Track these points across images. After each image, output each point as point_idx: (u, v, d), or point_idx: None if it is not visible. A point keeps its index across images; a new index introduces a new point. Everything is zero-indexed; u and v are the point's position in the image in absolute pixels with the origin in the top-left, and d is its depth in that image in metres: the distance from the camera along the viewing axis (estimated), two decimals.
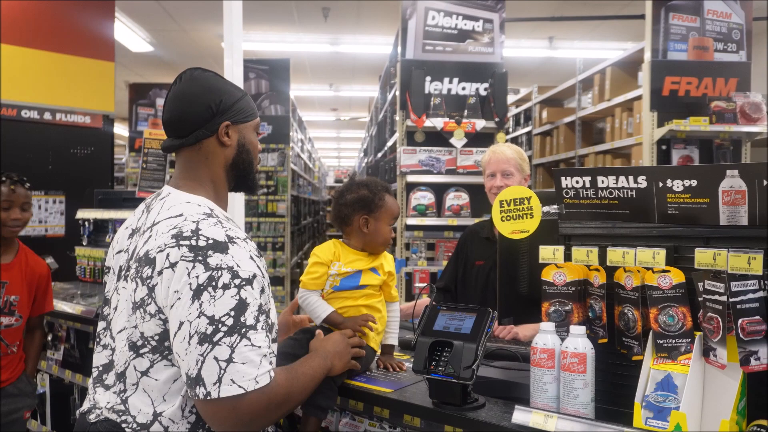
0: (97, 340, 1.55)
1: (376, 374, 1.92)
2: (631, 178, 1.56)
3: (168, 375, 1.38)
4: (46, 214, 4.83)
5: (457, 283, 2.63)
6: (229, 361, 1.28)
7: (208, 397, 1.27)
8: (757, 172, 1.37)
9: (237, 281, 1.33)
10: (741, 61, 4.84)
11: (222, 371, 1.27)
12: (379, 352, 2.01)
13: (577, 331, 1.47)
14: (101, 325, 1.55)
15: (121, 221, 3.22)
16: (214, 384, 1.26)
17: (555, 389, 1.47)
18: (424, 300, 2.37)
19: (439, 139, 4.79)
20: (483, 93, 4.88)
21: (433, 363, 1.58)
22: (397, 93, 5.03)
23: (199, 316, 1.29)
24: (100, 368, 1.50)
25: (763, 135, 4.93)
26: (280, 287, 7.77)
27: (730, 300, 1.31)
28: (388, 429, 1.87)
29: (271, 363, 1.35)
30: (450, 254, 4.69)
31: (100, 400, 1.45)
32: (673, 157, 4.74)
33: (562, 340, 1.49)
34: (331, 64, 11.21)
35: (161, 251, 1.36)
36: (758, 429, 1.28)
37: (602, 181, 1.60)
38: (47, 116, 4.74)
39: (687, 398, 1.31)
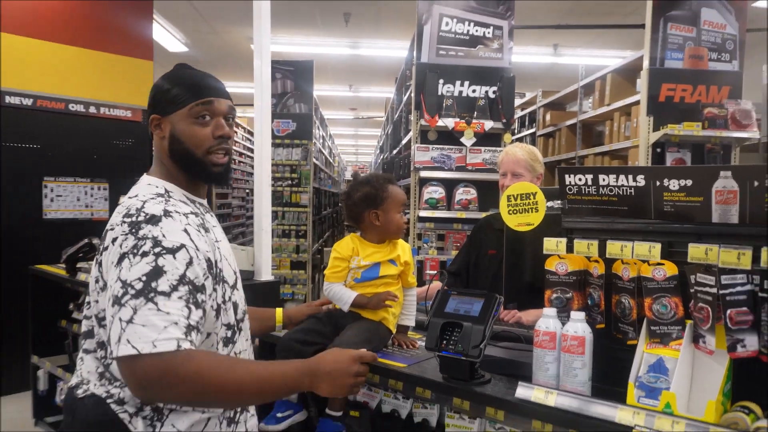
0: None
1: (392, 351, 1.94)
2: (630, 177, 1.56)
3: None
4: (91, 200, 4.90)
5: (469, 269, 2.63)
6: (129, 321, 1.20)
7: (111, 356, 1.23)
8: (749, 173, 1.37)
9: (157, 249, 1.27)
10: (734, 71, 4.79)
11: (122, 331, 1.20)
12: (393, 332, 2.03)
13: (577, 316, 1.48)
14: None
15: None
16: (116, 343, 1.20)
17: (555, 368, 1.49)
18: (436, 284, 2.38)
19: (451, 138, 4.79)
20: (492, 96, 4.87)
21: (444, 342, 1.59)
22: (412, 94, 5.02)
23: (116, 281, 1.25)
24: (82, 341, 1.46)
25: (753, 141, 4.88)
26: (302, 271, 7.80)
27: (720, 292, 1.32)
28: (402, 400, 1.89)
29: (185, 334, 1.23)
30: (458, 245, 4.73)
31: (83, 369, 1.41)
32: (666, 160, 4.71)
33: (563, 324, 1.50)
34: (351, 67, 11.19)
35: (111, 230, 1.35)
36: (742, 409, 1.29)
37: (603, 179, 1.61)
38: (92, 110, 4.79)
39: (677, 380, 1.32)
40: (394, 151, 7.43)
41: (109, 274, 1.29)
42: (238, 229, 11.22)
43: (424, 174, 4.72)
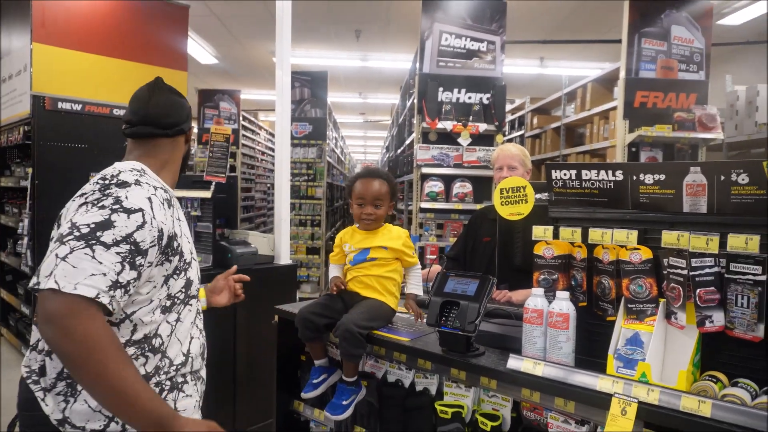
0: None
1: (396, 326, 1.93)
2: (610, 172, 1.54)
3: None
4: None
5: (466, 254, 2.62)
6: (63, 259, 1.10)
7: (36, 287, 1.10)
8: (716, 169, 1.35)
9: (115, 206, 1.20)
10: (700, 80, 4.74)
11: (54, 267, 1.10)
12: (397, 309, 2.02)
13: (562, 295, 1.46)
14: None
15: (192, 199, 3.26)
16: (45, 277, 1.09)
17: (543, 342, 1.47)
18: (436, 267, 2.36)
19: (449, 138, 4.76)
20: (485, 102, 4.83)
21: (443, 318, 1.58)
22: (415, 101, 4.99)
23: (68, 222, 1.18)
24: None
25: (717, 141, 4.84)
26: (317, 255, 7.80)
27: (690, 273, 1.30)
28: (405, 370, 1.88)
29: (109, 288, 1.12)
30: (456, 233, 4.71)
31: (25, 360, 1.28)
32: (641, 158, 4.68)
33: (549, 302, 1.48)
34: (361, 76, 11.14)
35: (83, 193, 1.27)
36: (710, 378, 1.27)
37: (586, 174, 1.59)
38: None
39: (651, 352, 1.31)
40: (399, 150, 7.40)
41: (63, 220, 1.24)
42: (260, 219, 11.21)
43: (425, 170, 4.70)
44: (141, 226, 1.21)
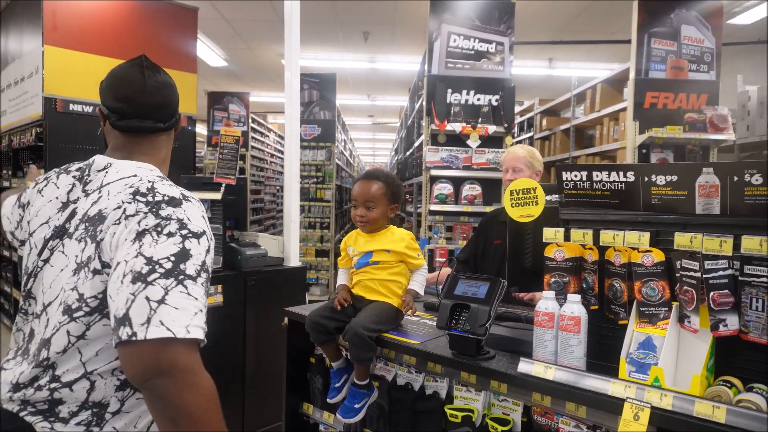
0: (22, 311, 1.22)
1: (406, 329, 1.92)
2: (621, 173, 1.53)
3: (105, 332, 1.10)
4: None
5: (477, 257, 2.60)
6: (161, 302, 0.98)
7: (133, 338, 0.95)
8: (729, 170, 1.33)
9: (184, 231, 1.08)
10: (711, 80, 4.70)
11: (152, 311, 0.97)
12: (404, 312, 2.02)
13: (574, 298, 1.44)
14: (23, 299, 1.23)
15: (202, 201, 3.27)
16: (142, 324, 0.96)
17: (554, 345, 1.45)
18: (446, 270, 2.35)
19: (458, 140, 4.75)
20: (494, 103, 4.81)
21: (454, 321, 1.57)
22: (424, 102, 4.98)
23: (136, 256, 1.02)
24: (26, 337, 1.18)
25: (728, 142, 4.79)
26: (326, 258, 7.80)
27: (704, 276, 1.28)
28: (415, 374, 1.87)
29: (204, 328, 1.03)
30: (465, 235, 4.69)
31: (6, 377, 1.12)
32: (651, 159, 4.64)
33: (561, 305, 1.47)
34: (369, 78, 11.15)
35: (118, 207, 1.11)
36: (724, 383, 1.25)
37: (597, 176, 1.57)
38: None
39: (664, 356, 1.29)
40: (408, 153, 7.39)
41: (121, 251, 1.05)
42: (270, 221, 11.24)
43: (434, 172, 4.69)
44: (208, 251, 1.13)
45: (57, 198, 1.24)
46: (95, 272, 1.09)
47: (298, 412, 2.18)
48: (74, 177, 1.26)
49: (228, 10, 7.17)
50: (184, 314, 1.00)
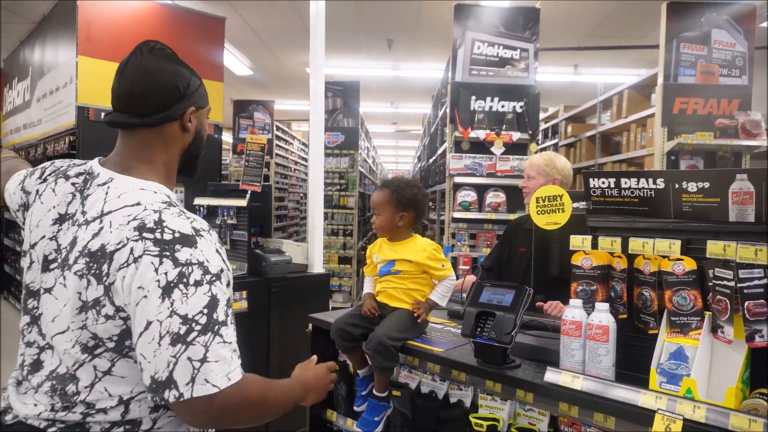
0: (22, 335, 1.17)
1: (430, 336, 1.91)
2: (650, 180, 1.50)
3: (135, 372, 1.08)
4: None
5: (501, 265, 2.58)
6: (203, 360, 1.01)
7: (181, 399, 1.00)
8: (764, 176, 1.30)
9: (208, 277, 1.05)
10: (743, 85, 4.59)
11: (195, 371, 1.00)
12: (430, 319, 2.01)
13: (602, 307, 1.42)
14: (24, 319, 1.17)
15: (228, 207, 3.31)
16: (187, 384, 1.00)
17: (581, 355, 1.43)
18: (471, 278, 2.34)
19: (482, 147, 4.73)
20: (519, 110, 4.78)
21: (479, 329, 1.56)
22: (448, 110, 4.98)
23: (170, 315, 1.01)
24: (28, 368, 1.14)
25: (762, 148, 4.66)
26: (348, 265, 7.82)
27: (738, 285, 1.25)
28: (439, 381, 1.86)
29: (239, 357, 1.08)
30: (489, 243, 4.65)
31: (19, 409, 1.11)
32: (680, 166, 4.55)
33: (588, 314, 1.44)
34: (392, 86, 11.19)
35: (123, 245, 1.03)
36: (760, 396, 1.21)
37: (625, 183, 1.55)
38: None
39: (697, 367, 1.25)
40: (431, 160, 7.38)
41: (149, 305, 1.01)
42: (293, 228, 11.33)
43: (457, 180, 4.67)
44: (228, 285, 1.11)
45: (54, 207, 1.17)
46: (108, 317, 1.05)
47: (322, 418, 2.18)
48: (74, 185, 1.17)
49: (254, 18, 7.28)
50: (224, 365, 1.03)
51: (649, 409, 1.22)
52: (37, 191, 1.22)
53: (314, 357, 1.50)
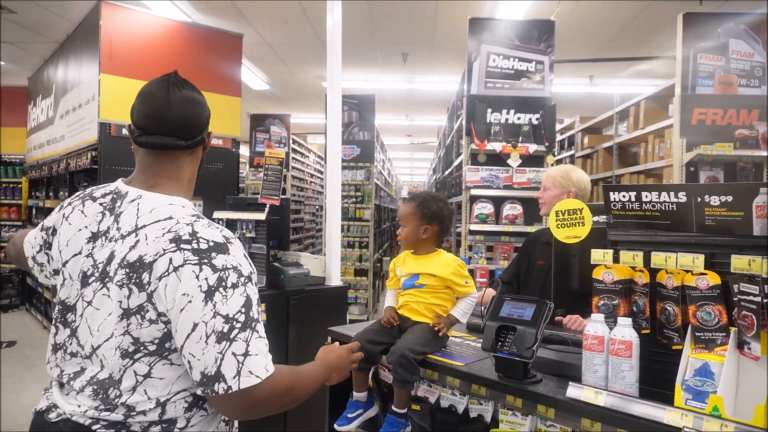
0: (63, 347, 1.24)
1: (450, 350, 1.90)
2: (672, 193, 1.49)
3: (172, 373, 1.17)
4: None
5: (519, 278, 2.57)
6: (246, 354, 1.12)
7: (229, 391, 1.10)
8: None
9: (242, 279, 1.17)
10: (763, 95, 4.53)
11: (240, 365, 1.11)
12: (450, 333, 2.00)
13: (624, 322, 1.41)
14: (65, 332, 1.24)
15: (247, 221, 3.34)
16: (234, 377, 1.11)
17: (604, 370, 1.41)
18: (490, 291, 2.33)
19: (498, 160, 4.72)
20: (535, 122, 4.77)
21: (499, 343, 1.55)
22: (463, 122, 4.99)
23: (214, 316, 1.11)
24: (71, 375, 1.21)
25: None
26: (365, 277, 7.82)
27: (765, 301, 1.23)
28: (459, 396, 1.84)
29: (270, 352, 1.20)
30: (506, 255, 4.63)
31: (65, 407, 1.17)
32: (700, 178, 4.49)
33: (610, 329, 1.43)
34: (407, 99, 11.24)
35: (160, 256, 1.13)
36: None
37: (646, 196, 1.54)
38: None
39: (723, 384, 1.23)
40: (446, 172, 7.39)
41: (193, 309, 1.11)
42: (309, 240, 11.38)
43: (474, 192, 4.67)
44: (256, 284, 1.23)
45: (87, 227, 1.24)
46: (151, 321, 1.14)
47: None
48: (102, 205, 1.26)
49: (270, 34, 7.39)
50: (262, 357, 1.15)
51: (674, 426, 1.21)
52: (65, 216, 1.29)
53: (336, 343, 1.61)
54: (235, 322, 1.13)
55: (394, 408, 1.80)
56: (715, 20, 4.50)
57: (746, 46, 4.52)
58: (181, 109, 1.26)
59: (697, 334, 1.35)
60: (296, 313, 3.23)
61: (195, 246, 1.15)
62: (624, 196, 1.58)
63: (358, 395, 1.93)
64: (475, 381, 1.66)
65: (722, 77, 4.53)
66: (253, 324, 1.16)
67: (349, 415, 1.90)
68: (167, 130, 1.25)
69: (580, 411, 1.38)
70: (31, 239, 1.39)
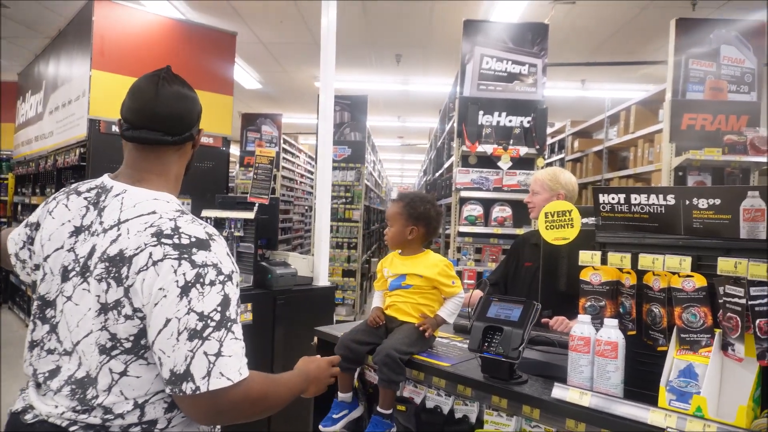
0: (40, 344, 1.20)
1: (437, 351, 1.89)
2: (660, 196, 1.49)
3: (148, 373, 1.14)
4: None
5: (507, 279, 2.58)
6: (218, 354, 1.08)
7: (197, 392, 1.06)
8: None
9: (221, 277, 1.13)
10: (752, 101, 4.58)
11: (211, 365, 1.07)
12: (437, 334, 1.99)
13: (610, 323, 1.41)
14: (43, 328, 1.20)
15: (236, 220, 3.32)
16: (203, 378, 1.06)
17: (589, 371, 1.42)
18: (477, 292, 2.33)
19: (489, 162, 4.73)
20: (526, 125, 4.79)
21: (486, 344, 1.55)
22: (455, 124, 4.99)
23: (188, 313, 1.08)
24: (46, 374, 1.18)
25: None
26: (353, 278, 7.80)
27: (749, 303, 1.23)
28: (444, 396, 1.84)
29: (246, 356, 1.15)
30: (494, 257, 4.64)
31: (41, 408, 1.14)
32: (688, 182, 4.53)
33: (597, 330, 1.43)
34: (400, 100, 11.25)
35: (141, 250, 1.10)
36: None
37: (635, 199, 1.54)
38: None
39: (707, 385, 1.24)
40: (437, 174, 7.40)
41: (166, 306, 1.08)
42: (298, 241, 11.34)
43: (464, 194, 4.67)
44: (237, 285, 1.19)
45: (69, 221, 1.22)
46: (127, 317, 1.11)
47: None
48: (87, 199, 1.24)
49: (265, 33, 7.37)
50: (236, 359, 1.11)
51: (658, 427, 1.21)
52: (49, 212, 1.27)
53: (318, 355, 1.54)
54: (209, 321, 1.09)
55: (379, 409, 1.79)
56: (708, 26, 4.54)
57: (737, 53, 4.57)
58: (170, 105, 1.24)
59: (682, 335, 1.36)
60: (283, 313, 3.21)
61: (176, 241, 1.12)
62: (613, 198, 1.59)
63: (344, 396, 1.91)
64: (460, 381, 1.66)
65: (713, 83, 4.57)
66: (229, 324, 1.12)
67: (334, 416, 1.89)
68: (155, 125, 1.23)
69: (564, 411, 1.38)
70: (15, 236, 1.36)
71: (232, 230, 3.26)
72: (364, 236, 8.32)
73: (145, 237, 1.12)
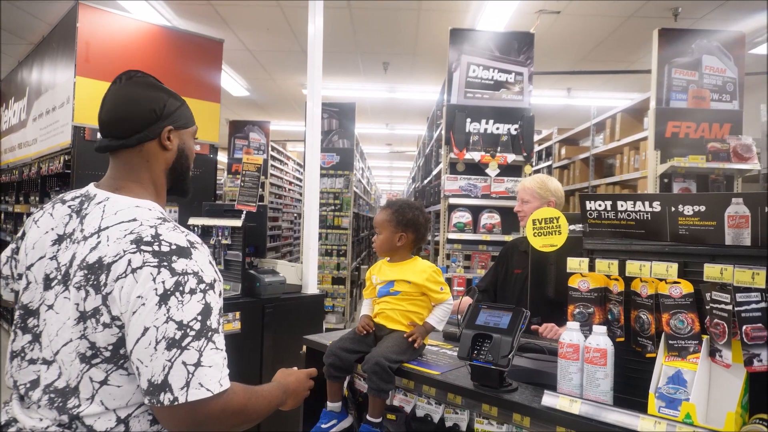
0: (21, 354, 1.18)
1: (427, 359, 1.89)
2: (647, 203, 1.50)
3: (129, 384, 1.11)
4: None
5: (497, 287, 2.58)
6: (198, 365, 1.05)
7: (175, 402, 1.03)
8: (759, 200, 1.31)
9: (202, 286, 1.10)
10: (734, 109, 4.66)
11: (190, 375, 1.04)
12: (427, 342, 1.99)
13: (599, 330, 1.41)
14: (25, 338, 1.18)
15: (223, 227, 3.29)
16: (182, 389, 1.03)
17: (579, 378, 1.42)
18: (467, 299, 2.32)
19: (477, 169, 4.75)
20: (513, 132, 4.82)
21: (475, 351, 1.54)
22: (443, 131, 5.01)
23: (166, 321, 1.05)
24: (27, 385, 1.15)
25: (753, 172, 4.72)
26: (342, 286, 7.78)
27: (736, 309, 1.24)
28: (435, 405, 1.83)
29: (227, 367, 1.12)
30: (483, 264, 4.65)
31: (25, 421, 1.12)
32: (673, 189, 4.59)
33: (585, 337, 1.44)
34: (388, 108, 11.27)
35: (120, 257, 1.08)
36: (760, 422, 1.20)
37: (621, 205, 1.55)
38: None
39: (696, 392, 1.25)
40: (425, 181, 7.41)
41: (145, 315, 1.05)
42: (287, 248, 11.29)
43: (452, 201, 4.69)
44: (220, 294, 1.17)
45: (52, 230, 1.21)
46: (105, 325, 1.08)
47: None
48: (70, 207, 1.23)
49: (252, 41, 7.35)
50: (216, 370, 1.07)
51: None
52: (35, 221, 1.26)
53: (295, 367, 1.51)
54: (189, 330, 1.06)
55: (368, 417, 1.78)
56: (690, 36, 4.62)
57: (719, 62, 4.65)
58: (112, 108, 1.23)
59: (670, 342, 1.36)
60: (272, 322, 3.19)
61: (156, 248, 1.09)
62: (600, 205, 1.60)
63: (333, 405, 1.90)
64: (451, 390, 1.65)
65: (695, 92, 4.64)
66: (210, 334, 1.08)
67: (323, 426, 1.87)
68: (104, 130, 1.24)
69: (555, 419, 1.38)
70: (2, 257, 1.33)
71: (220, 238, 3.24)
72: (353, 243, 8.31)
73: (124, 244, 1.09)
